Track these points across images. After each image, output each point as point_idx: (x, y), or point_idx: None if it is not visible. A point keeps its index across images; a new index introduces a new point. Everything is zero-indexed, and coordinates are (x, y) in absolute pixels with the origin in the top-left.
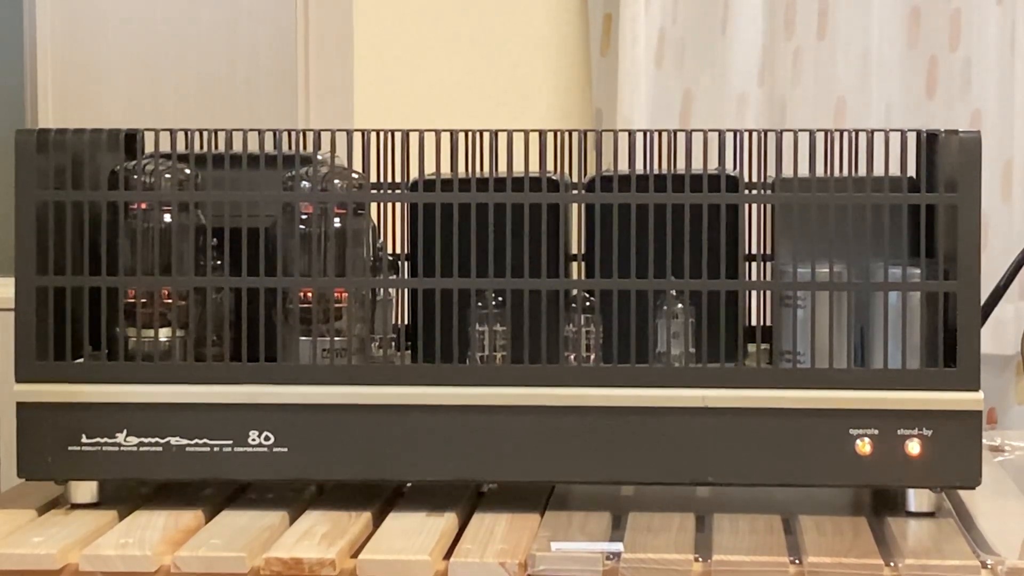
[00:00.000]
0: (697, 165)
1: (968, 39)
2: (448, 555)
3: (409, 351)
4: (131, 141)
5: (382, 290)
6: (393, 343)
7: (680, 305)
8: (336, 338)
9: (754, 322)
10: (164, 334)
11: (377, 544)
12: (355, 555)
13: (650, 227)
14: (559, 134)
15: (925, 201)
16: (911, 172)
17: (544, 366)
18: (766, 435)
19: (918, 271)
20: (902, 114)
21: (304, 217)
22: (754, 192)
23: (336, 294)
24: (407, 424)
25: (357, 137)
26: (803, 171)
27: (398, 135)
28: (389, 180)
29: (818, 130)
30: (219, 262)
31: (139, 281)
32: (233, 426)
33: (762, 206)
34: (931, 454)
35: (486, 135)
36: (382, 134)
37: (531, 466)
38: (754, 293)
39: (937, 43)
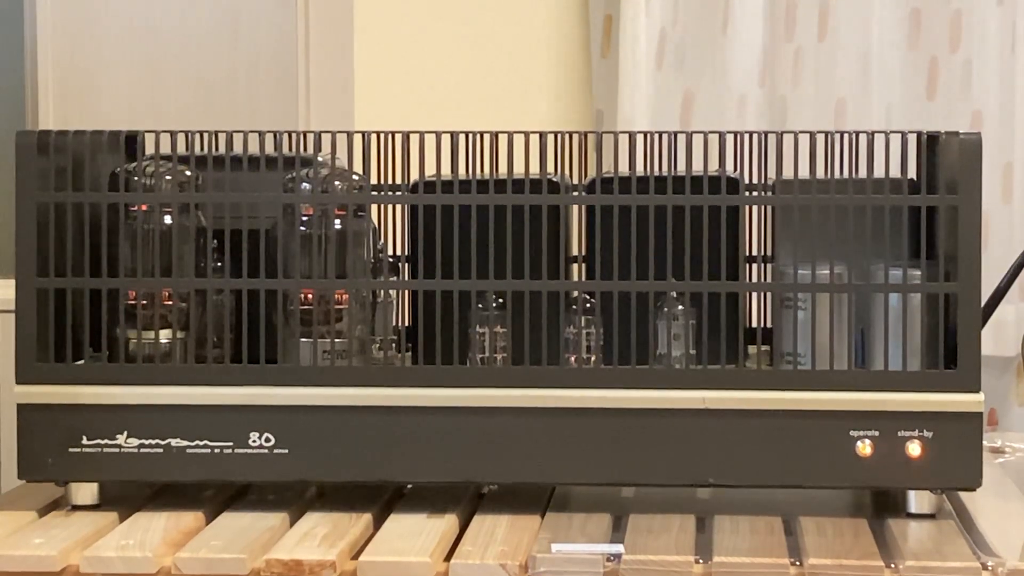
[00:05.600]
0: (697, 167)
1: (969, 40)
2: (449, 556)
3: (410, 353)
4: (131, 143)
5: (382, 292)
6: (394, 345)
7: (680, 307)
8: (336, 340)
9: (754, 324)
10: (164, 336)
11: (378, 545)
12: (356, 556)
13: (650, 229)
14: (559, 135)
15: (925, 202)
16: (911, 174)
17: (544, 368)
18: (767, 437)
19: (918, 272)
20: (902, 115)
21: (304, 219)
22: (754, 194)
23: (336, 296)
24: (407, 426)
25: (357, 139)
26: (803, 172)
27: (398, 137)
28: (389, 182)
29: (818, 131)
30: (219, 264)
31: (139, 283)
32: (234, 428)
33: (762, 208)
34: (932, 456)
35: (486, 137)
36: (382, 136)
37: (531, 468)
38: (754, 295)
39: (938, 44)
